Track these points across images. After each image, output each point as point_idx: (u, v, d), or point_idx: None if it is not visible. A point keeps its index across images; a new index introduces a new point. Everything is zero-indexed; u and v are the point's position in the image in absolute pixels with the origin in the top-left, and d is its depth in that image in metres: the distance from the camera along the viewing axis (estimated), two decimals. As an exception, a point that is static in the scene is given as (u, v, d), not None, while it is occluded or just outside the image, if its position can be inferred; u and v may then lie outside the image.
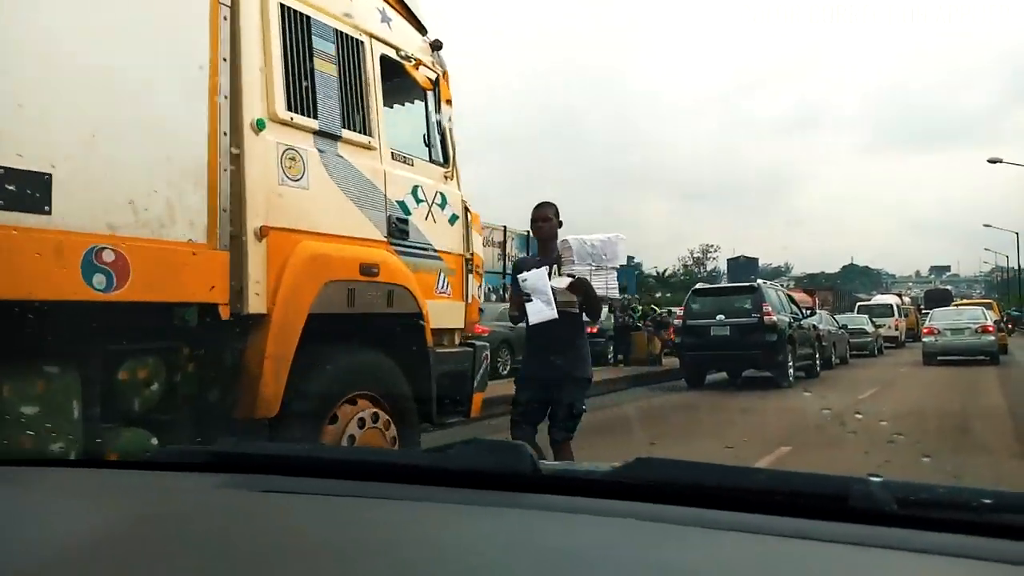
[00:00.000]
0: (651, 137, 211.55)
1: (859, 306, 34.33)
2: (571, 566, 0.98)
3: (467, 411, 5.55)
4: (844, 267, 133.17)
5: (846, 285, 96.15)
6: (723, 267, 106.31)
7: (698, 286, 14.19)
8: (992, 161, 30.15)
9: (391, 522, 1.17)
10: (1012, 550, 0.96)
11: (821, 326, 19.94)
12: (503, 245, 20.53)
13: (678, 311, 14.05)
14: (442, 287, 5.38)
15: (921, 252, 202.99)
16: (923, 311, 32.54)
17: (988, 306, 24.85)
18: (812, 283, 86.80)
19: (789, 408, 10.98)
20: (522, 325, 4.61)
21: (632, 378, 14.14)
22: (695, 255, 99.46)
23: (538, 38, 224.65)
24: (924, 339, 20.15)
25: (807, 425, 8.61)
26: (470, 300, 5.74)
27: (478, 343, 5.84)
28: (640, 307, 16.90)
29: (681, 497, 1.18)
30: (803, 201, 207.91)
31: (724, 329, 13.22)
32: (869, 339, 26.74)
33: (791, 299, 15.40)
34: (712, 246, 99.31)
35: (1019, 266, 52.26)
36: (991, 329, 19.30)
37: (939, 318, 20.77)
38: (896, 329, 31.03)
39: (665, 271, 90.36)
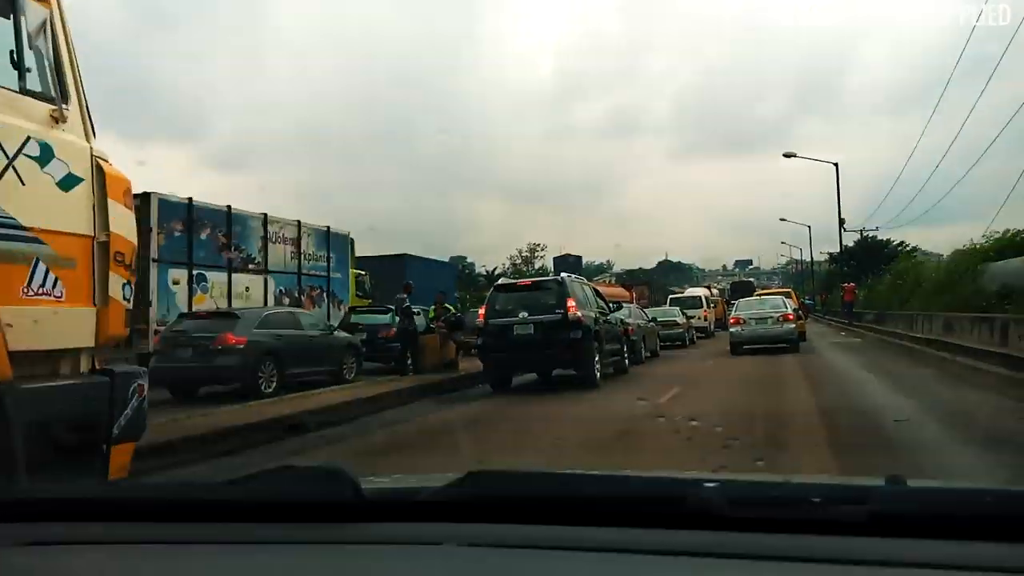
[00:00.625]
0: (484, 141, 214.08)
1: (671, 299, 35.44)
2: None
3: (102, 469, 3.74)
4: (659, 263, 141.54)
5: (661, 280, 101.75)
6: (551, 265, 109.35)
7: (500, 282, 12.93)
8: (787, 155, 32.28)
9: (192, 570, 1.07)
10: (842, 546, 1.01)
11: (630, 320, 19.74)
12: (297, 242, 18.37)
13: (481, 310, 12.73)
14: (40, 285, 3.52)
15: (727, 248, 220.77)
16: (729, 302, 34.06)
17: (787, 295, 26.31)
18: (630, 278, 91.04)
19: (601, 410, 10.01)
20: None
21: (425, 387, 12.53)
22: (523, 254, 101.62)
23: (368, 40, 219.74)
24: (731, 329, 20.34)
25: (624, 428, 7.89)
26: (107, 304, 3.91)
27: (122, 369, 4.04)
28: (432, 308, 15.34)
29: (516, 512, 1.16)
30: (624, 202, 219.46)
31: (527, 327, 12.09)
32: (681, 330, 27.39)
33: (598, 293, 14.63)
34: (539, 245, 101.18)
35: (811, 257, 57.11)
36: (791, 317, 19.91)
37: (744, 308, 21.20)
38: (705, 320, 32.26)
39: (494, 270, 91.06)
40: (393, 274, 23.89)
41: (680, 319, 27.88)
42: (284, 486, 1.27)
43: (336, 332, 14.01)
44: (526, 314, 12.15)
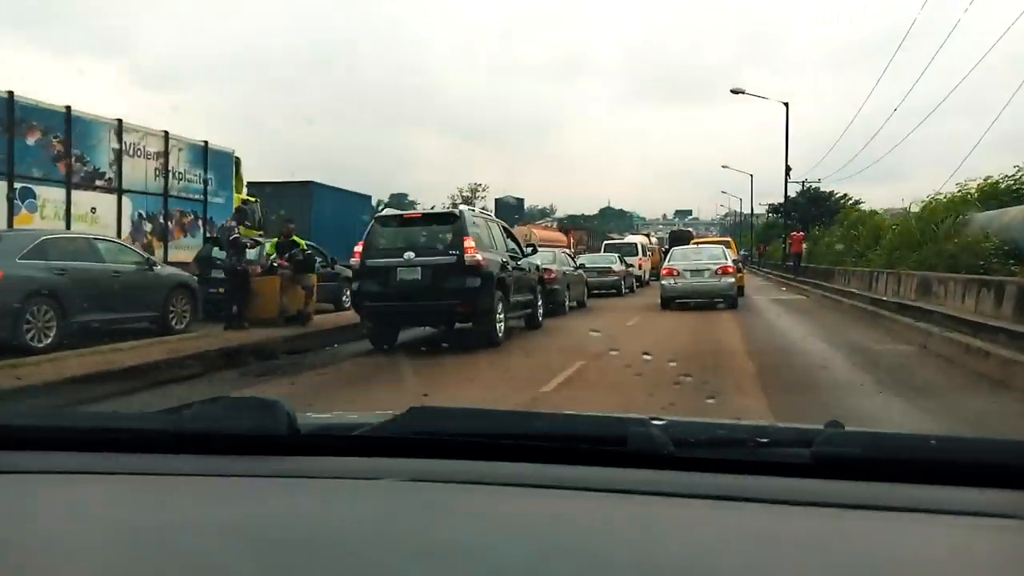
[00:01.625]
0: (425, 75, 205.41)
1: (605, 245, 33.62)
2: (332, 538, 0.88)
3: None
4: (602, 209, 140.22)
5: (603, 226, 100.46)
6: (492, 206, 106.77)
7: (384, 212, 10.42)
8: (735, 91, 30.03)
9: (122, 501, 1.06)
10: (784, 487, 1.03)
11: (554, 266, 17.63)
12: (163, 158, 15.43)
13: (358, 248, 10.24)
14: None
15: (669, 197, 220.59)
16: (667, 252, 32.48)
17: (726, 244, 23.32)
18: (570, 223, 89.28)
19: (480, 383, 7.85)
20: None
21: (236, 351, 9.15)
22: (464, 194, 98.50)
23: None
24: (663, 281, 17.95)
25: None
26: None
27: None
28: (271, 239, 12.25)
29: (458, 449, 1.15)
30: (569, 146, 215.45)
31: (414, 271, 9.75)
32: (616, 278, 25.50)
33: (508, 233, 12.32)
34: (480, 185, 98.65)
35: (751, 207, 55.92)
36: (731, 270, 17.69)
37: (678, 258, 18.88)
38: (640, 268, 30.50)
39: (432, 207, 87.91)
40: (296, 204, 21.00)
41: (615, 266, 26.00)
42: (217, 417, 1.23)
43: (159, 268, 11.32)
44: (413, 255, 9.78)
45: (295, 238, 11.85)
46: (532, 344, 11.05)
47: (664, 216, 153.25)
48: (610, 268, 25.80)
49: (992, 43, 20.73)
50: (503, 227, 12.09)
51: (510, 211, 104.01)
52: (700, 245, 22.72)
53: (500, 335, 10.41)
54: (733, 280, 17.60)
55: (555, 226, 67.06)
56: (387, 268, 9.87)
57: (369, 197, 25.62)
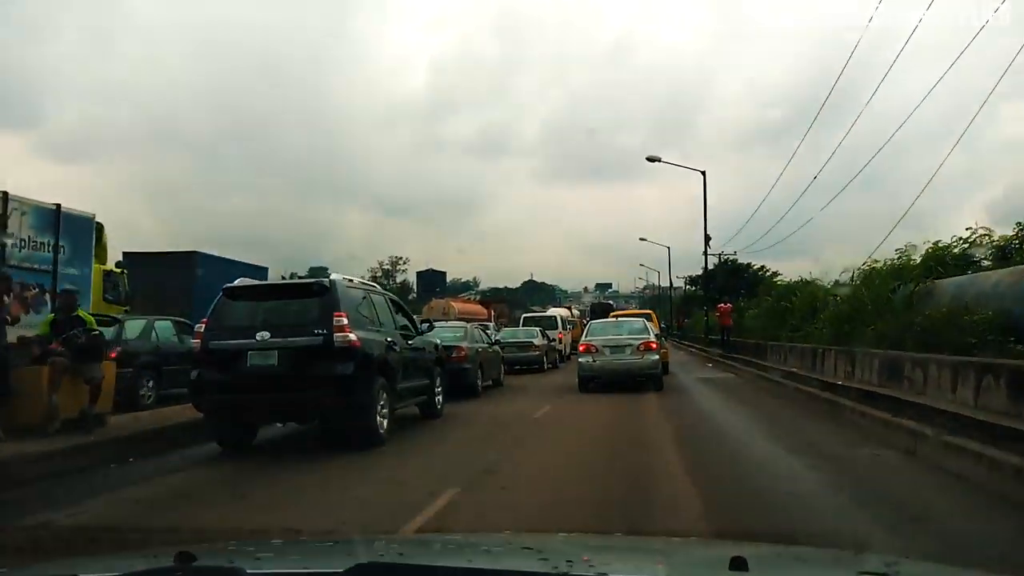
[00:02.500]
0: (352, 148, 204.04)
1: (524, 318, 32.22)
2: None
3: None
4: (525, 282, 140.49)
5: (526, 299, 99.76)
6: (414, 280, 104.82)
7: (238, 282, 8.46)
8: (651, 159, 29.75)
9: None
10: None
11: (465, 344, 15.91)
12: (2, 220, 13.11)
13: (200, 326, 8.24)
14: None
15: (589, 271, 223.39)
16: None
17: (648, 317, 20.71)
18: (493, 296, 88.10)
19: (336, 500, 5.95)
20: None
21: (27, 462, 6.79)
22: (384, 267, 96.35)
23: (229, 27, 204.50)
24: (580, 359, 16.03)
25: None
26: None
27: None
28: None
29: None
30: (491, 221, 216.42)
31: (269, 355, 7.82)
32: (537, 353, 23.89)
33: (399, 307, 10.56)
34: (401, 258, 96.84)
35: (670, 279, 55.87)
36: (654, 346, 15.77)
37: (596, 332, 16.85)
38: (561, 343, 29.02)
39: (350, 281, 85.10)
40: (179, 276, 18.70)
41: (537, 340, 24.45)
42: None
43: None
44: (268, 335, 7.86)
45: (80, 312, 9.06)
46: (417, 445, 9.10)
47: (586, 289, 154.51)
48: (531, 343, 24.24)
49: (896, 125, 21.04)
50: (392, 300, 10.28)
51: (432, 284, 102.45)
52: (620, 318, 20.23)
53: (383, 431, 8.52)
54: (657, 357, 15.79)
55: (476, 299, 65.69)
56: (235, 351, 7.88)
57: (266, 269, 23.39)
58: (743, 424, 10.63)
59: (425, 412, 11.01)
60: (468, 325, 18.72)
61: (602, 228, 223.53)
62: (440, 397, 11.40)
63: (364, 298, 8.95)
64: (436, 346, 11.62)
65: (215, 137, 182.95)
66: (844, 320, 14.35)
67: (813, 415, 11.36)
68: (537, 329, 26.13)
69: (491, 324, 37.68)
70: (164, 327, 13.32)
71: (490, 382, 17.69)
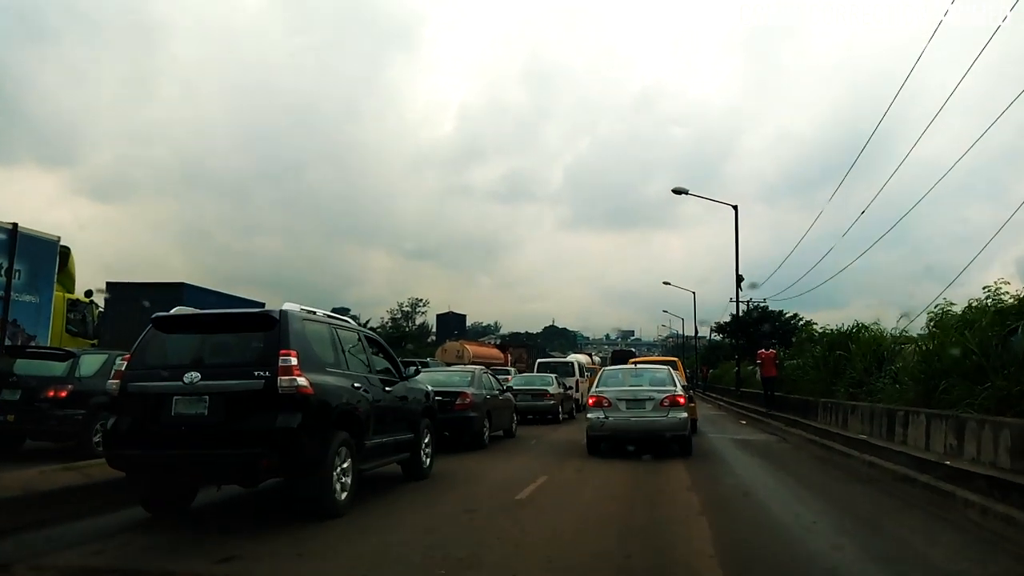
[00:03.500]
0: (380, 193, 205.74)
1: (539, 363, 30.29)
2: None
3: None
4: (545, 328, 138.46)
5: (546, 345, 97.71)
6: (434, 323, 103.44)
7: (175, 311, 6.89)
8: (677, 191, 28.03)
9: None
10: None
11: (470, 390, 14.23)
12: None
13: (123, 360, 6.67)
14: None
15: (611, 318, 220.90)
16: (607, 372, 29.29)
17: (672, 365, 17.12)
18: (510, 341, 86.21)
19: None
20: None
21: None
22: (404, 308, 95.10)
23: (265, 77, 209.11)
24: (589, 415, 13.00)
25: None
26: None
27: None
28: None
29: None
30: (514, 266, 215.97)
31: (198, 402, 6.27)
32: (552, 402, 21.92)
33: (378, 347, 8.97)
34: (421, 300, 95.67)
35: (695, 326, 53.69)
36: (682, 400, 12.62)
37: (611, 382, 13.69)
38: (578, 391, 26.93)
39: (367, 323, 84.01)
40: (164, 310, 17.54)
41: (552, 388, 22.49)
42: None
43: None
44: (198, 376, 6.32)
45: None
46: (410, 504, 7.43)
47: (607, 336, 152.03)
48: (545, 391, 22.28)
49: (922, 177, 19.50)
50: (368, 338, 8.65)
51: (451, 327, 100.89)
52: (640, 367, 16.19)
53: (342, 498, 6.87)
54: (685, 415, 12.65)
55: (494, 343, 63.84)
56: (158, 396, 6.34)
57: (262, 304, 22.01)
58: (816, 523, 7.31)
59: (408, 472, 9.32)
60: (476, 369, 17.04)
61: (626, 276, 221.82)
62: (428, 454, 9.72)
63: (326, 334, 7.35)
64: (426, 394, 9.98)
65: (246, 179, 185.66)
66: (937, 375, 10.56)
67: (914, 513, 7.89)
68: (552, 376, 24.19)
69: (512, 369, 36.01)
70: None
71: (500, 432, 16.06)
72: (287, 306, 6.81)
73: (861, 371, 15.21)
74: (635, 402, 12.59)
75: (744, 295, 34.24)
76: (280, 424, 6.20)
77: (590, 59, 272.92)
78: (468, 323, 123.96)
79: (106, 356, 11.62)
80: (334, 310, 11.56)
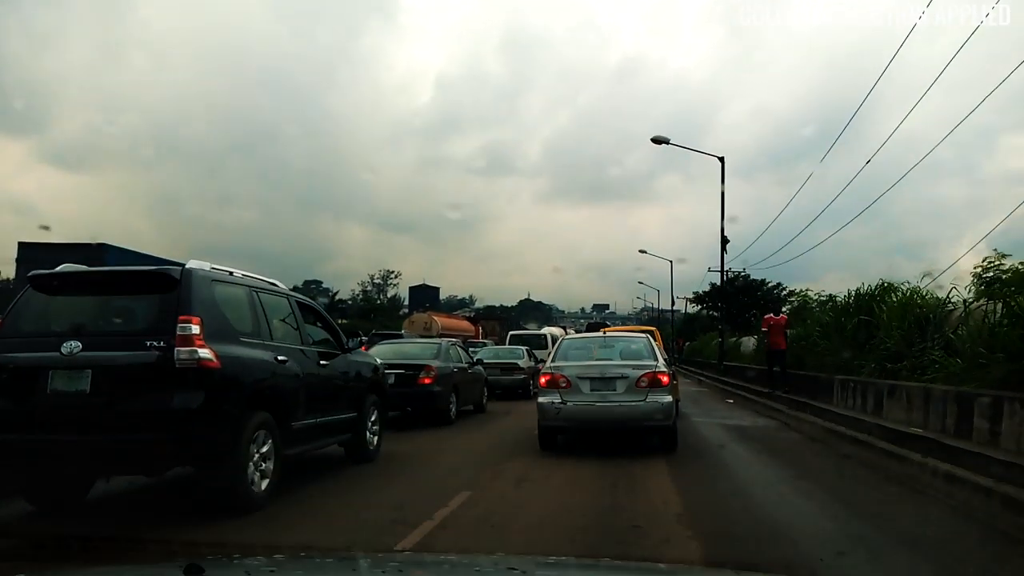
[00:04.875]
0: (354, 164, 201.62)
1: (511, 336, 29.47)
2: None
3: None
4: (521, 301, 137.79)
5: (521, 318, 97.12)
6: (407, 296, 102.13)
7: (61, 268, 5.79)
8: (657, 140, 25.30)
9: None
10: None
11: (436, 363, 13.34)
12: None
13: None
14: None
15: (587, 291, 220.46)
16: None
17: (651, 335, 13.74)
18: (485, 313, 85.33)
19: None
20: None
21: None
22: (375, 280, 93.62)
23: (238, 43, 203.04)
24: (540, 398, 9.61)
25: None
26: None
27: None
28: None
29: None
30: (491, 239, 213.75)
31: (78, 377, 5.21)
32: (524, 376, 20.97)
33: (313, 313, 7.91)
34: (393, 272, 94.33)
35: (671, 296, 53.04)
36: (665, 379, 9.26)
37: (572, 355, 10.36)
38: (550, 364, 25.96)
39: (335, 294, 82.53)
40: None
41: (523, 362, 21.55)
42: None
43: None
44: (78, 346, 5.27)
45: None
46: (337, 499, 6.49)
47: (583, 309, 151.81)
48: (515, 364, 21.32)
49: (897, 152, 18.58)
50: (300, 303, 7.53)
51: (424, 300, 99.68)
52: (611, 335, 13.06)
53: (262, 486, 5.89)
54: (670, 399, 9.34)
55: (461, 315, 62.94)
56: (31, 369, 5.30)
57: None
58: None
59: (350, 454, 8.36)
60: (443, 342, 16.17)
61: (602, 249, 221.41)
62: (376, 433, 8.76)
63: (244, 298, 6.29)
64: (374, 368, 8.99)
65: (218, 149, 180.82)
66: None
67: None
68: (523, 349, 23.28)
69: (488, 342, 35.13)
70: None
71: (470, 407, 15.29)
72: (192, 264, 5.73)
73: (898, 340, 11.68)
74: (602, 381, 9.25)
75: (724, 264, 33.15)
76: (177, 404, 5.17)
77: (570, 28, 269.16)
78: (442, 296, 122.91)
79: None
80: (307, 283, 10.43)
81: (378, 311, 71.81)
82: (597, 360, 10.10)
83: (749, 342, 27.86)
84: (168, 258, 17.99)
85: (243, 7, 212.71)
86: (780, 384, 16.04)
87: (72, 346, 5.23)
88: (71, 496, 6.09)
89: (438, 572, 2.41)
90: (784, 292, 35.40)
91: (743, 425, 13.71)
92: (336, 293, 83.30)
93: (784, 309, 21.49)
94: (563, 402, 9.23)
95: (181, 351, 5.21)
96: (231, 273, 6.33)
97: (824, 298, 18.62)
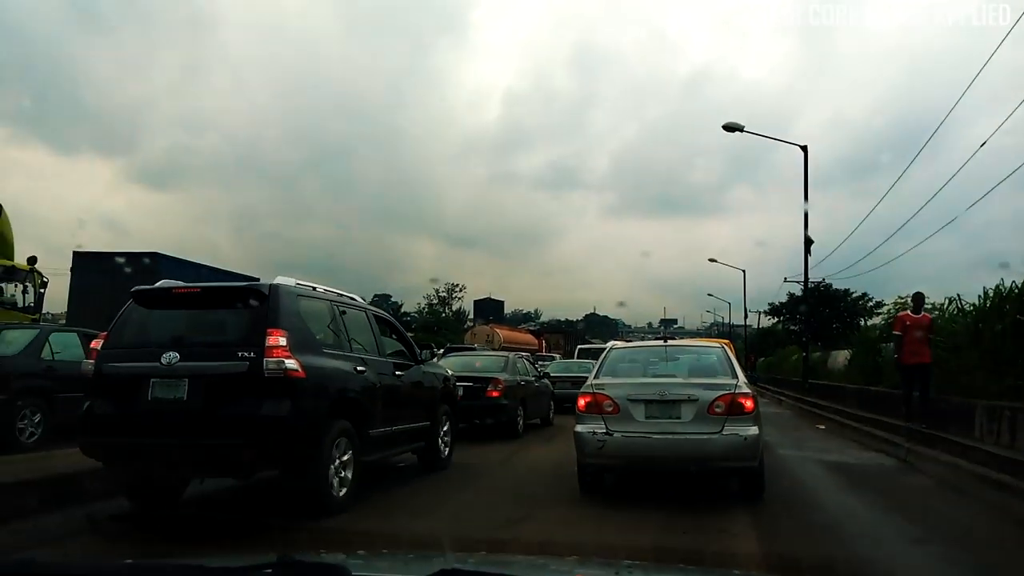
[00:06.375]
0: (424, 181, 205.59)
1: (580, 350, 29.50)
2: None
3: None
4: (586, 315, 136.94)
5: (587, 333, 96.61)
6: (471, 310, 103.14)
7: (160, 284, 6.20)
8: (729, 128, 23.13)
9: None
10: None
11: (503, 376, 13.52)
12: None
13: (96, 343, 6.00)
14: None
15: (654, 306, 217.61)
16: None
17: (724, 349, 9.37)
18: (550, 327, 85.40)
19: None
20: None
21: None
22: (440, 294, 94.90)
23: (312, 66, 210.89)
24: (578, 428, 7.20)
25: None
26: None
27: None
28: None
29: None
30: (557, 254, 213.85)
31: (176, 385, 5.61)
32: (591, 390, 21.00)
33: (389, 326, 8.25)
34: (458, 285, 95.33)
35: (744, 308, 51.75)
36: (749, 404, 6.87)
37: (621, 370, 8.03)
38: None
39: (400, 306, 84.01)
40: (134, 283, 15.58)
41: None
42: None
43: None
44: (176, 356, 5.66)
45: None
46: (409, 502, 6.74)
47: (649, 324, 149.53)
48: (585, 378, 21.42)
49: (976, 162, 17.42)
50: (378, 317, 7.90)
51: (488, 313, 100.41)
52: (675, 344, 10.19)
53: (341, 492, 6.18)
54: (756, 430, 6.83)
55: (525, 328, 63.10)
56: (134, 378, 5.72)
57: (256, 279, 19.95)
58: None
59: (424, 462, 8.62)
60: (511, 355, 16.36)
61: (670, 264, 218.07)
62: (447, 443, 9.01)
63: (326, 312, 6.64)
64: (444, 379, 9.25)
65: (295, 167, 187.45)
66: None
67: None
68: (592, 363, 23.32)
69: (557, 356, 35.25)
70: (65, 341, 10.31)
71: (537, 421, 15.45)
72: (279, 280, 6.11)
73: None
74: (662, 406, 6.95)
75: (793, 284, 31.00)
76: (265, 412, 5.51)
77: (638, 42, 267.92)
78: (507, 309, 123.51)
79: (36, 332, 10.39)
80: (375, 296, 10.68)
81: (443, 324, 72.66)
82: (656, 377, 7.73)
83: (838, 357, 24.31)
84: (237, 272, 18.51)
85: (314, 28, 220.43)
86: (917, 414, 11.48)
87: (171, 356, 5.64)
88: (168, 495, 6.50)
89: (521, 567, 2.38)
90: (871, 303, 33.09)
91: (847, 463, 10.53)
92: (402, 306, 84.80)
93: (902, 304, 15.98)
94: (608, 432, 6.93)
95: (269, 361, 5.54)
96: (314, 288, 6.69)
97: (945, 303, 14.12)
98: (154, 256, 16.68)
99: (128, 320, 6.12)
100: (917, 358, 11.31)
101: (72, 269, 16.03)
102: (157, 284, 6.29)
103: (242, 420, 5.51)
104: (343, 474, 6.23)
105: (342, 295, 7.23)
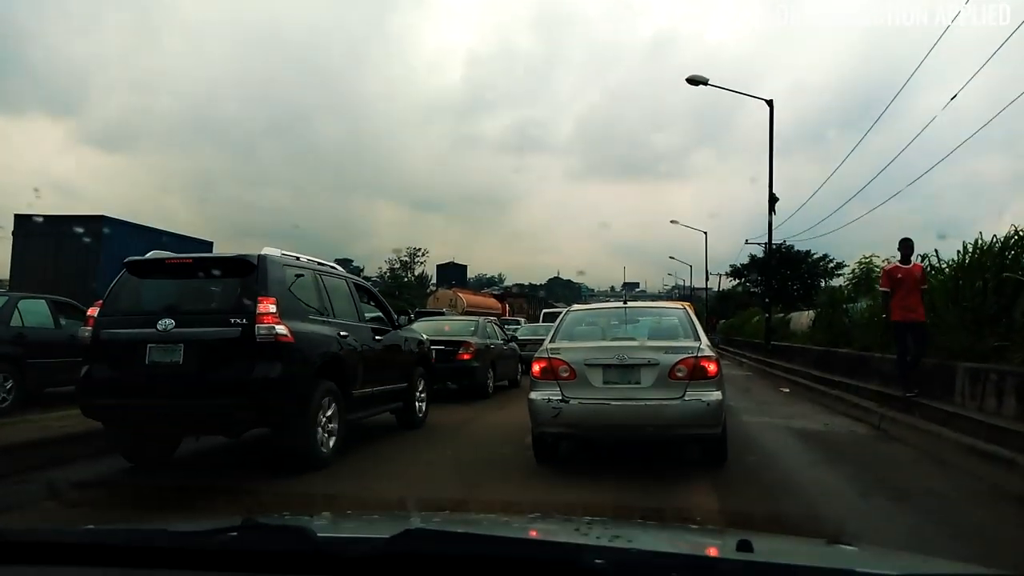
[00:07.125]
0: (386, 144, 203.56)
1: (544, 314, 30.15)
2: None
3: None
4: (550, 279, 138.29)
5: (550, 297, 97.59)
6: (432, 272, 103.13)
7: (151, 254, 6.52)
8: (693, 81, 21.82)
9: None
10: None
11: (474, 339, 14.04)
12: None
13: (92, 310, 6.35)
14: None
15: (617, 271, 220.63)
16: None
17: (685, 310, 8.56)
18: (513, 292, 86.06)
19: None
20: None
21: None
22: (402, 258, 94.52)
23: (271, 24, 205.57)
24: (532, 393, 6.87)
25: None
26: None
27: None
28: None
29: (447, 569, 1.39)
30: (521, 218, 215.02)
31: (172, 350, 5.99)
32: (555, 352, 21.60)
33: (368, 293, 8.68)
34: (420, 249, 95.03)
35: (706, 270, 52.76)
36: (712, 369, 6.51)
37: (578, 332, 7.73)
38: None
39: (361, 270, 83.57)
40: (80, 245, 15.26)
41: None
42: (251, 540, 1.46)
43: None
44: (171, 323, 6.03)
45: None
46: (388, 460, 7.23)
47: (612, 288, 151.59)
48: (551, 340, 22.09)
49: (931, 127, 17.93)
50: (357, 285, 8.35)
51: (452, 278, 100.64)
52: (635, 306, 9.60)
53: (327, 449, 6.65)
54: (718, 395, 6.52)
55: (489, 292, 63.44)
56: (132, 344, 6.07)
57: (210, 244, 18.98)
58: None
59: (401, 421, 9.13)
60: (481, 319, 16.82)
61: (633, 228, 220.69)
62: (422, 402, 9.51)
63: (310, 281, 7.04)
64: (419, 342, 9.72)
65: (252, 131, 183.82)
66: None
67: None
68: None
69: (522, 320, 35.81)
70: (33, 308, 10.32)
71: (505, 382, 16.02)
72: (266, 251, 6.48)
73: None
74: (621, 370, 6.58)
75: (754, 247, 30.92)
76: (257, 374, 5.93)
77: (603, 3, 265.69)
78: (471, 274, 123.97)
79: (5, 299, 10.19)
80: (337, 261, 10.85)
81: (404, 289, 72.51)
82: (614, 340, 7.31)
83: (801, 318, 23.84)
84: (195, 236, 18.00)
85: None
86: (912, 380, 9.97)
87: (167, 323, 6.00)
88: (161, 453, 6.90)
89: (485, 524, 2.37)
90: (832, 265, 32.71)
91: (816, 430, 9.78)
92: (362, 270, 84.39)
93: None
94: (564, 399, 6.58)
95: (261, 327, 5.95)
96: (298, 258, 7.06)
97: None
98: (99, 219, 15.73)
99: (122, 289, 6.44)
100: (912, 314, 9.89)
101: (13, 233, 15.02)
102: (148, 255, 6.60)
103: (236, 382, 5.91)
104: (330, 429, 6.69)
105: (323, 264, 7.61)
